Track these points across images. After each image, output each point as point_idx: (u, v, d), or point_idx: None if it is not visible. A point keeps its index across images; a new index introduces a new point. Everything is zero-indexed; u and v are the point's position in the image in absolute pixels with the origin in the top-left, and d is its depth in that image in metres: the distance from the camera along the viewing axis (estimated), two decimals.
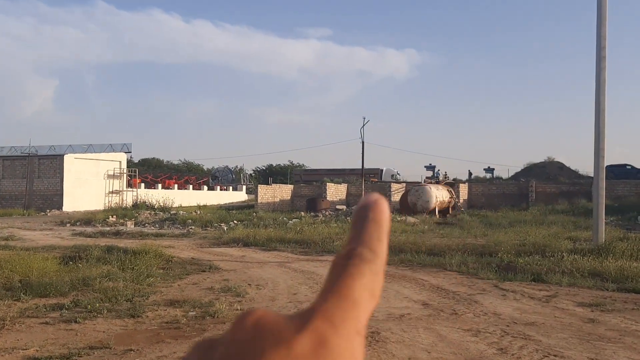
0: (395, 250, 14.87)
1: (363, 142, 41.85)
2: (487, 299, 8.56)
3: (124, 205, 44.07)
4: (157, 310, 7.79)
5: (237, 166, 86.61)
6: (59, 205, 43.09)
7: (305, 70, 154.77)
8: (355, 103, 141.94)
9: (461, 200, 39.68)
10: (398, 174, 61.92)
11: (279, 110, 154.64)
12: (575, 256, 12.34)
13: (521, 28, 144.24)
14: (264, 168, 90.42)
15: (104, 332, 6.63)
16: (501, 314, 7.52)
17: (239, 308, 7.95)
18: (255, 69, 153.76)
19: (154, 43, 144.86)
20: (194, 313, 7.66)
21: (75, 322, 7.02)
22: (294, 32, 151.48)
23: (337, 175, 57.77)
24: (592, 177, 46.12)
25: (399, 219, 27.22)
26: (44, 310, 7.66)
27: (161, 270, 11.71)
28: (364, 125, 41.73)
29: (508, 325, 6.85)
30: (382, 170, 60.85)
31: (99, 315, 7.34)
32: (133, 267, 11.43)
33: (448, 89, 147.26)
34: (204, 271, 11.95)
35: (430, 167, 60.49)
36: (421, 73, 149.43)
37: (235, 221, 27.64)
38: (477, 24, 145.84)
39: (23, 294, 8.48)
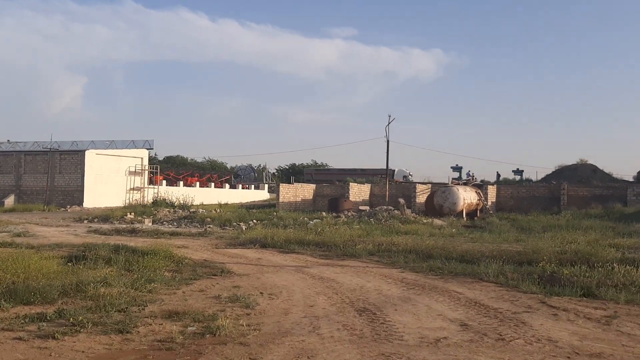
0: (423, 256, 13.66)
1: (388, 141, 40.49)
2: (537, 320, 7.29)
3: (145, 202, 43.52)
4: (151, 325, 6.74)
5: (260, 165, 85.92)
6: (80, 201, 42.75)
7: (330, 70, 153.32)
8: (380, 103, 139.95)
9: (489, 203, 38.05)
10: (410, 174, 60.62)
11: (303, 109, 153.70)
12: (627, 267, 10.94)
13: (549, 26, 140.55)
14: (287, 167, 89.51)
15: (83, 352, 5.61)
16: (557, 340, 6.26)
17: (245, 324, 6.85)
18: (280, 68, 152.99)
19: (181, 42, 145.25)
20: (194, 328, 6.60)
21: (53, 338, 5.99)
22: (320, 31, 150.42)
23: (350, 175, 56.45)
24: (626, 181, 44.35)
25: (425, 221, 25.93)
26: (22, 321, 6.65)
27: (169, 274, 10.75)
28: (389, 123, 40.36)
29: (569, 357, 5.61)
30: (393, 170, 59.36)
31: (82, 330, 6.30)
32: (140, 269, 10.51)
33: (475, 89, 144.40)
34: (215, 275, 10.98)
35: (457, 168, 58.96)
36: (447, 73, 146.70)
37: (254, 220, 26.69)
38: (504, 23, 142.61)
39: (4, 301, 7.50)
